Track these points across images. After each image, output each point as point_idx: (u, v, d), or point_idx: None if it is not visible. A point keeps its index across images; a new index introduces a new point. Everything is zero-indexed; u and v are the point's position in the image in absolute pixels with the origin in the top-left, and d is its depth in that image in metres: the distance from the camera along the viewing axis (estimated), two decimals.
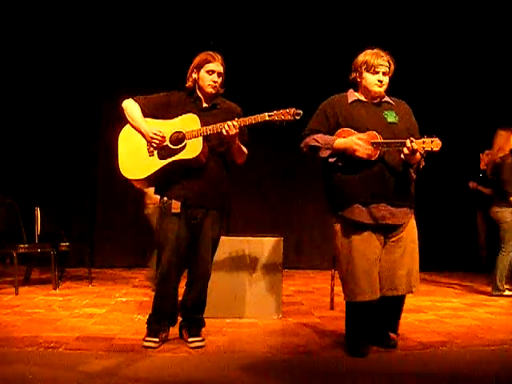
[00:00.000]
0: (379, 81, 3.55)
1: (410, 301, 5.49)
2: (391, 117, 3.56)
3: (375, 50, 3.60)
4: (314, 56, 8.20)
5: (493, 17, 7.76)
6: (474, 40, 8.05)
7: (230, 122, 3.50)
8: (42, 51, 8.06)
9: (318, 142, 3.55)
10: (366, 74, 3.58)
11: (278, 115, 3.45)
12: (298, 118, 3.44)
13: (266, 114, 3.47)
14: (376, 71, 3.54)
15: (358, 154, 3.42)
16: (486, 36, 7.96)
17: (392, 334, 3.77)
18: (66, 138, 8.23)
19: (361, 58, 3.62)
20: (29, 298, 5.43)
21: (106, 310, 4.92)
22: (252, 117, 3.51)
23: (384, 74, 3.56)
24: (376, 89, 3.57)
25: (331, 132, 3.57)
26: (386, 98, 3.67)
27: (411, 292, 3.61)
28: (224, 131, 3.49)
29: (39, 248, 6.24)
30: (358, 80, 3.65)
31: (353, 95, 3.66)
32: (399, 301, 3.71)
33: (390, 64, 3.58)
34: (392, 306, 3.70)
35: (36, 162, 8.13)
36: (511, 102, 7.87)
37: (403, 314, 4.79)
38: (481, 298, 5.89)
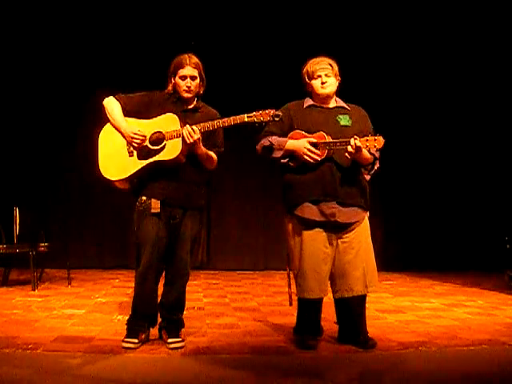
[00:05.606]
0: (322, 83, 3.69)
1: (389, 301, 5.55)
2: (344, 120, 3.70)
3: (313, 59, 3.77)
4: (292, 59, 8.18)
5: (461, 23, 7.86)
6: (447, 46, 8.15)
7: (189, 127, 3.46)
8: (20, 52, 7.95)
9: (271, 143, 3.70)
10: (311, 82, 3.74)
11: (257, 116, 3.47)
12: (277, 119, 3.52)
13: (245, 115, 3.49)
14: (318, 75, 3.70)
15: (306, 158, 3.56)
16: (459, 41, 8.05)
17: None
18: (44, 139, 8.13)
19: (303, 70, 3.80)
20: (7, 299, 5.36)
21: (85, 310, 4.88)
22: (231, 118, 3.51)
23: (327, 75, 3.70)
24: (321, 91, 3.71)
25: (285, 135, 3.71)
26: (342, 104, 3.80)
27: (368, 292, 3.68)
28: (186, 137, 3.45)
29: (18, 248, 6.16)
30: (309, 90, 3.79)
31: (309, 101, 3.80)
32: (359, 302, 3.73)
33: (331, 66, 3.73)
34: (353, 307, 3.73)
35: (14, 161, 8.02)
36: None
37: (383, 315, 4.87)
38: (460, 299, 5.93)
